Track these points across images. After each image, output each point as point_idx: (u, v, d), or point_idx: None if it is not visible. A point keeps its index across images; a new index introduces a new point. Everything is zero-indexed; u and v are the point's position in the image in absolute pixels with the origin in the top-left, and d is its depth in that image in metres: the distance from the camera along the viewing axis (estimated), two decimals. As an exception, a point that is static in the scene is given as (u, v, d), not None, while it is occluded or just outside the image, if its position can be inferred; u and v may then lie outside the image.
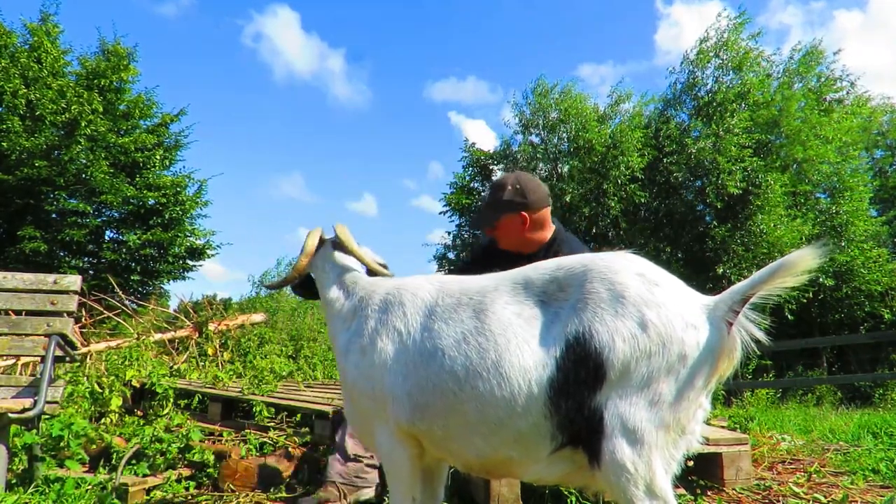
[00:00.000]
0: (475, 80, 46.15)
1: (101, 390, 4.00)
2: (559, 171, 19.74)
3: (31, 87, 13.50)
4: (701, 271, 16.41)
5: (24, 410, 2.45)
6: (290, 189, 48.84)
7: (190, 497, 2.82)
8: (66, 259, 14.65)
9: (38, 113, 13.38)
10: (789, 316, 15.16)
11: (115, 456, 3.11)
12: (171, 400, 4.26)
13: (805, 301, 15.64)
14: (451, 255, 21.95)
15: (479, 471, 1.64)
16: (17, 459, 2.94)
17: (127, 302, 7.89)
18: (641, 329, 1.32)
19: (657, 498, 1.28)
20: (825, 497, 2.62)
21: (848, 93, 18.93)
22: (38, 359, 3.00)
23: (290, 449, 3.26)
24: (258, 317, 8.38)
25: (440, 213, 22.31)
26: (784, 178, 16.51)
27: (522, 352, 1.42)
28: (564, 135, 19.58)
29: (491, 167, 21.88)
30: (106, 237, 15.63)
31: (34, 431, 2.73)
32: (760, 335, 1.34)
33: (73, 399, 3.78)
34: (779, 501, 2.60)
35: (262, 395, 4.45)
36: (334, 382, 6.71)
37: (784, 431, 4.66)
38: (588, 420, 1.32)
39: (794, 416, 6.13)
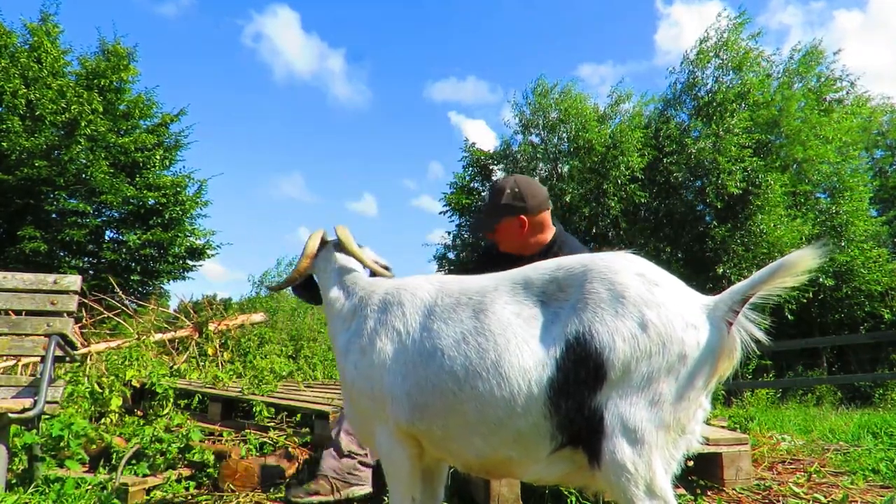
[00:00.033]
0: (475, 80, 46.21)
1: (101, 390, 4.00)
2: (559, 171, 19.74)
3: (31, 87, 13.50)
4: (701, 271, 16.41)
5: (24, 410, 2.45)
6: (290, 189, 48.88)
7: (190, 497, 2.82)
8: (66, 259, 14.65)
9: (38, 113, 13.39)
10: (789, 316, 15.17)
11: (115, 456, 3.11)
12: (171, 400, 4.26)
13: (805, 301, 15.65)
14: (451, 255, 21.95)
15: (478, 471, 1.64)
16: (17, 459, 2.94)
17: (127, 302, 7.90)
18: (642, 329, 1.32)
19: (657, 498, 1.28)
20: (825, 497, 2.62)
21: (848, 93, 18.95)
22: (39, 359, 3.00)
23: (290, 449, 3.26)
24: (258, 317, 8.39)
25: (440, 213, 22.34)
26: (784, 178, 16.51)
27: (522, 352, 1.42)
28: (564, 135, 19.58)
29: (491, 167, 21.88)
30: (106, 237, 15.63)
31: (34, 431, 2.73)
32: (760, 335, 1.34)
33: (73, 399, 3.78)
34: (779, 501, 2.60)
35: (262, 395, 4.46)
36: (334, 382, 6.71)
37: (784, 431, 4.66)
38: (588, 420, 1.32)
39: (794, 416, 6.13)
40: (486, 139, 46.39)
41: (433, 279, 1.76)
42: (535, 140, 20.47)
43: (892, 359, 15.21)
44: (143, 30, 41.56)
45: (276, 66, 46.07)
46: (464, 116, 43.98)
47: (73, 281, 2.93)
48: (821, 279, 15.15)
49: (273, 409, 4.12)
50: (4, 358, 4.56)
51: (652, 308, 1.33)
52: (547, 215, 2.43)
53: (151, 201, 15.30)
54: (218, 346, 7.30)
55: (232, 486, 2.87)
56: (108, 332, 7.73)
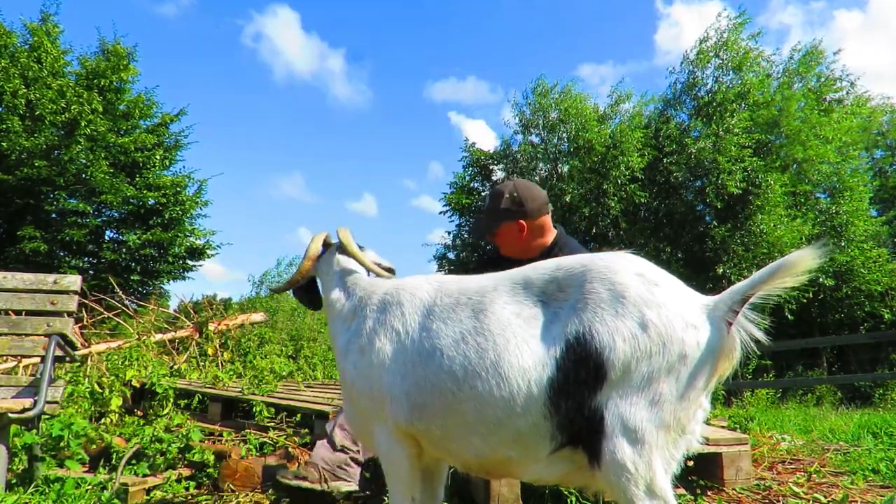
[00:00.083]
0: (475, 80, 46.22)
1: (101, 390, 4.01)
2: (559, 171, 19.74)
3: (31, 87, 13.50)
4: (701, 271, 16.41)
5: (24, 410, 2.45)
6: (290, 189, 48.89)
7: (190, 497, 2.82)
8: (66, 259, 14.65)
9: (37, 113, 13.39)
10: (789, 316, 15.17)
11: (115, 456, 3.11)
12: (171, 400, 4.26)
13: (805, 301, 15.65)
14: (451, 255, 21.94)
15: (477, 471, 1.64)
16: (17, 459, 2.94)
17: (127, 302, 7.89)
18: (642, 329, 1.32)
19: (657, 498, 1.28)
20: (825, 497, 2.62)
21: (848, 93, 18.95)
22: (39, 359, 3.00)
23: (290, 449, 3.26)
24: (258, 316, 8.38)
25: (440, 213, 22.32)
26: (784, 178, 16.51)
27: (521, 352, 1.42)
28: (564, 135, 19.58)
29: (491, 167, 21.87)
30: (106, 237, 15.63)
31: (34, 431, 2.73)
32: (760, 335, 1.34)
33: (73, 399, 3.78)
34: (779, 501, 2.60)
35: (262, 395, 4.46)
36: (334, 382, 6.71)
37: (784, 431, 4.66)
38: (588, 420, 1.32)
39: (794, 416, 6.13)
40: (486, 139, 46.44)
41: (432, 279, 1.76)
42: (535, 140, 20.48)
43: (892, 359, 15.20)
44: (143, 30, 41.62)
45: (276, 66, 46.12)
46: (464, 116, 44.03)
47: (73, 281, 2.93)
48: (821, 279, 15.15)
49: (273, 409, 4.12)
50: (5, 358, 4.57)
51: (652, 308, 1.33)
52: (547, 219, 2.43)
53: (151, 201, 15.30)
54: (218, 346, 7.30)
55: (232, 486, 2.87)
56: (108, 332, 7.73)
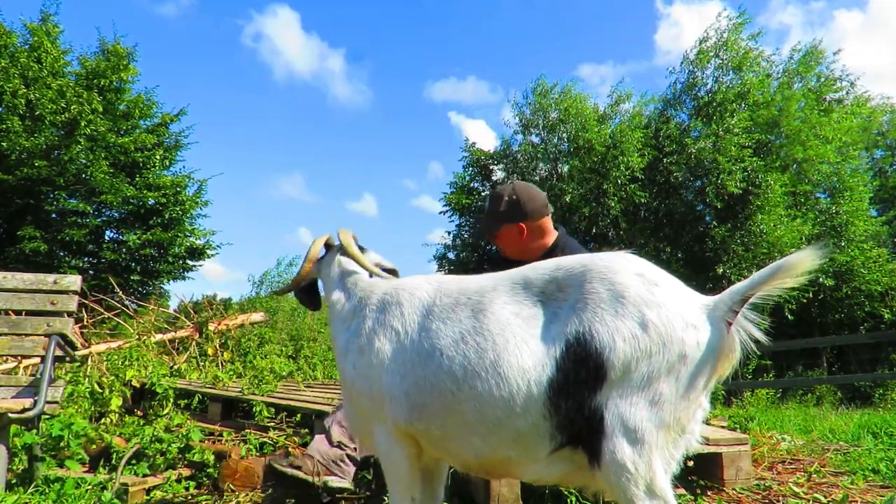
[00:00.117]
0: (475, 80, 46.22)
1: (101, 390, 4.01)
2: (559, 171, 19.73)
3: (30, 86, 13.50)
4: (701, 271, 16.41)
5: (24, 410, 2.45)
6: (290, 189, 48.88)
7: (190, 497, 2.82)
8: (66, 259, 14.65)
9: (37, 113, 13.39)
10: (789, 316, 15.17)
11: (115, 456, 3.11)
12: (171, 400, 4.26)
13: (805, 301, 15.65)
14: (451, 255, 21.94)
15: (477, 471, 1.64)
16: (17, 459, 2.94)
17: (127, 302, 7.90)
18: (642, 329, 1.32)
19: (657, 498, 1.28)
20: (825, 497, 2.62)
21: (848, 93, 18.94)
22: (39, 359, 3.00)
23: (290, 449, 3.26)
24: (258, 316, 8.38)
25: (440, 213, 22.31)
26: (784, 178, 16.51)
27: (521, 351, 1.42)
28: (564, 135, 19.58)
29: (491, 167, 21.86)
30: (106, 237, 15.63)
31: (34, 431, 2.73)
32: (760, 335, 1.34)
33: (73, 399, 3.78)
34: (779, 501, 2.60)
35: (262, 395, 4.46)
36: (334, 382, 6.71)
37: (784, 431, 4.66)
38: (588, 420, 1.32)
39: (794, 416, 6.13)
40: (486, 139, 46.42)
41: (432, 279, 1.76)
42: (535, 140, 20.47)
43: (892, 359, 15.20)
44: (143, 30, 41.62)
45: (276, 66, 46.12)
46: (464, 116, 44.03)
47: (73, 281, 2.93)
48: (821, 279, 15.15)
49: (273, 409, 4.12)
50: (5, 358, 4.57)
51: (652, 308, 1.33)
52: (546, 221, 2.44)
53: (151, 201, 15.30)
54: (218, 346, 7.30)
55: (232, 486, 2.87)
56: (108, 332, 7.73)
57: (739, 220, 16.40)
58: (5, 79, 13.14)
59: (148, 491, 2.79)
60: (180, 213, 15.72)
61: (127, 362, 5.05)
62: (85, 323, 7.00)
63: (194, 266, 16.72)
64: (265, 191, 48.87)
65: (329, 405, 3.54)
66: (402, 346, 1.61)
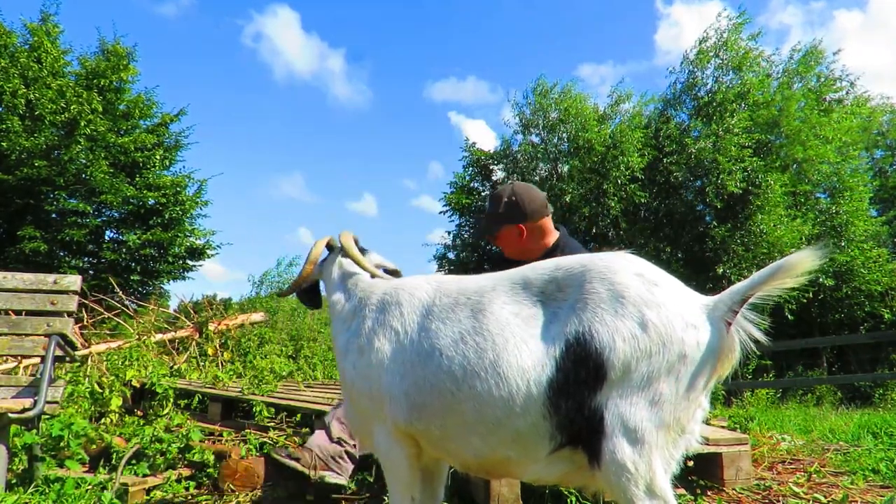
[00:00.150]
0: (475, 80, 46.18)
1: (101, 390, 4.01)
2: (559, 171, 19.73)
3: (30, 87, 13.49)
4: (701, 271, 16.41)
5: (24, 410, 2.45)
6: (290, 189, 48.84)
7: (190, 497, 2.82)
8: (66, 259, 14.65)
9: (37, 113, 13.38)
10: (789, 316, 15.17)
11: (115, 456, 3.11)
12: (171, 400, 4.26)
13: (805, 301, 15.65)
14: (451, 255, 21.93)
15: (477, 471, 1.64)
16: (17, 459, 2.94)
17: (127, 302, 7.90)
18: (642, 329, 1.32)
19: (657, 497, 1.28)
20: (825, 497, 2.62)
21: (848, 93, 18.94)
22: (39, 359, 3.00)
23: (290, 449, 3.25)
24: (258, 316, 8.38)
25: (440, 212, 22.31)
26: (784, 178, 16.51)
27: (521, 351, 1.42)
28: (564, 135, 19.58)
29: (491, 167, 21.87)
30: (106, 237, 15.63)
31: (34, 431, 2.73)
32: (759, 335, 1.34)
33: (73, 399, 3.78)
34: (779, 501, 2.60)
35: (262, 395, 4.46)
36: (334, 382, 6.71)
37: (784, 431, 4.66)
38: (588, 420, 1.32)
39: (794, 416, 6.13)
40: (486, 139, 46.39)
41: (432, 279, 1.76)
42: (535, 140, 20.47)
43: (892, 359, 15.20)
44: (143, 30, 41.55)
45: (276, 66, 46.09)
46: (464, 116, 44.00)
47: (73, 281, 2.93)
48: (821, 279, 15.15)
49: (273, 409, 4.12)
50: (5, 358, 4.57)
51: (652, 308, 1.34)
52: (546, 221, 2.44)
53: (151, 201, 15.30)
54: (218, 346, 7.30)
55: (232, 486, 2.87)
56: (108, 332, 7.73)
57: (739, 220, 16.40)
58: (5, 79, 13.13)
59: (148, 491, 2.79)
60: (180, 213, 15.72)
61: (127, 362, 5.05)
62: (85, 323, 6.99)
63: (194, 266, 16.72)
64: (265, 191, 48.86)
65: (329, 405, 3.54)
66: (401, 346, 1.61)
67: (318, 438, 2.51)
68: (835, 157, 16.85)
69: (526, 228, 2.38)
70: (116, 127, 15.32)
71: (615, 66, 39.02)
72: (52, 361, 2.65)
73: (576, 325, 1.37)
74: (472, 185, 22.14)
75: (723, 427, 3.75)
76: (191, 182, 16.24)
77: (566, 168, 19.31)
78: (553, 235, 2.47)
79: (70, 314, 2.88)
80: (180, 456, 3.13)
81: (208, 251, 16.60)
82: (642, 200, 17.52)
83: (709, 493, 2.68)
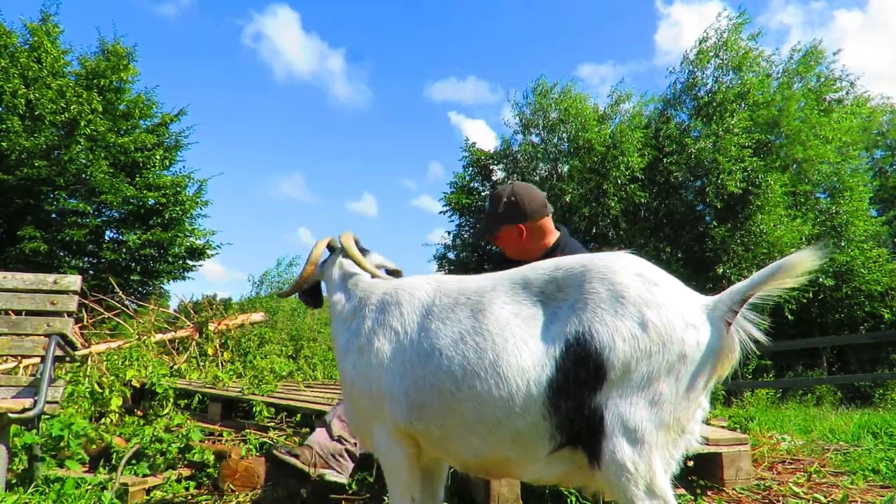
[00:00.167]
0: (475, 80, 46.16)
1: (101, 390, 4.01)
2: (559, 171, 19.73)
3: (30, 87, 13.50)
4: (701, 271, 16.41)
5: (24, 410, 2.45)
6: (290, 189, 48.82)
7: (190, 497, 2.82)
8: (66, 259, 14.65)
9: (37, 113, 13.39)
10: (789, 316, 15.17)
11: (115, 456, 3.11)
12: (171, 400, 4.26)
13: (805, 301, 15.65)
14: (451, 255, 21.94)
15: (477, 471, 1.64)
16: (17, 459, 2.94)
17: (127, 302, 7.90)
18: (642, 329, 1.32)
19: (657, 497, 1.28)
20: (825, 497, 2.62)
21: (848, 93, 18.94)
22: (39, 359, 3.00)
23: (289, 446, 3.25)
24: (258, 316, 8.38)
25: (440, 212, 22.32)
26: (784, 178, 16.52)
27: (520, 351, 1.42)
28: (564, 135, 19.58)
29: (491, 167, 21.87)
30: (106, 237, 15.63)
31: (34, 431, 2.73)
32: (759, 335, 1.34)
33: (73, 399, 3.78)
34: (779, 501, 2.60)
35: (262, 395, 4.46)
36: (334, 382, 6.71)
37: (784, 431, 4.66)
38: (588, 420, 1.32)
39: (794, 416, 6.13)
40: (486, 139, 46.38)
41: (431, 279, 1.76)
42: (535, 140, 20.47)
43: (892, 359, 15.20)
44: (143, 30, 41.51)
45: (276, 66, 46.07)
46: (464, 116, 43.98)
47: (73, 281, 2.93)
48: (821, 279, 15.15)
49: (273, 409, 4.12)
50: (5, 358, 4.57)
51: (652, 308, 1.33)
52: (546, 221, 2.44)
53: (151, 201, 15.30)
54: (218, 346, 7.30)
55: (232, 486, 2.87)
56: (108, 332, 7.73)
57: (739, 220, 16.40)
58: (5, 79, 13.14)
59: (148, 491, 2.79)
60: (180, 213, 15.72)
61: (127, 362, 5.05)
62: (85, 323, 7.00)
63: (194, 266, 16.73)
64: (265, 191, 48.82)
65: (329, 405, 3.54)
66: (401, 346, 1.61)
67: (319, 436, 2.50)
68: (835, 157, 16.85)
69: (526, 228, 2.39)
70: (116, 127, 15.32)
71: (615, 66, 39.04)
72: (52, 361, 2.65)
73: (576, 325, 1.37)
74: (472, 185, 22.15)
75: (723, 427, 3.75)
76: (191, 182, 16.26)
77: (566, 168, 19.32)
78: (553, 235, 2.47)
79: (70, 314, 2.88)
80: (180, 456, 3.13)
81: (208, 251, 16.61)
82: (642, 200, 17.53)
83: (709, 493, 2.68)
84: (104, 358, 5.49)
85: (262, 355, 8.12)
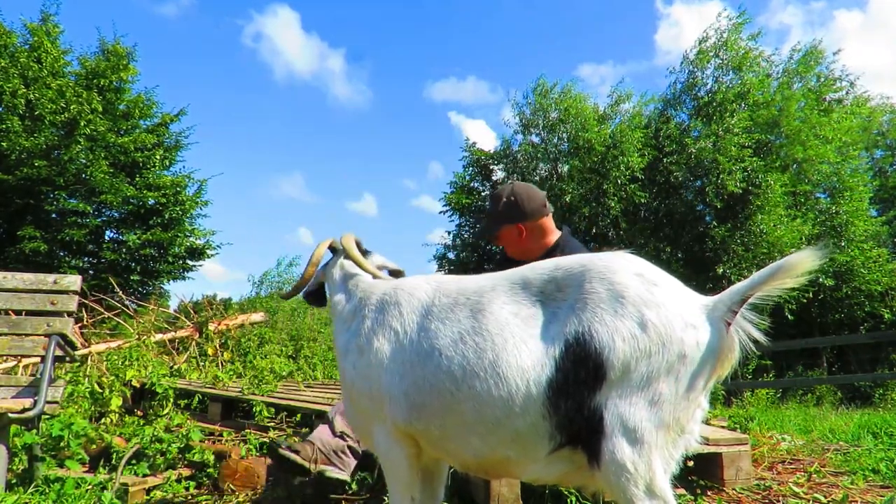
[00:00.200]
0: (475, 80, 46.13)
1: (101, 390, 4.01)
2: (559, 171, 19.74)
3: (30, 86, 13.50)
4: (701, 271, 16.41)
5: (24, 410, 2.45)
6: (290, 189, 48.79)
7: (190, 497, 2.82)
8: (66, 259, 14.65)
9: (37, 113, 13.39)
10: (789, 316, 15.17)
11: (115, 456, 3.11)
12: (171, 400, 4.26)
13: (805, 301, 15.65)
14: (451, 255, 21.94)
15: (476, 470, 1.64)
16: (17, 459, 2.94)
17: (127, 302, 7.90)
18: (641, 329, 1.32)
19: (657, 497, 1.28)
20: (825, 497, 2.62)
21: (848, 93, 18.95)
22: (39, 359, 3.00)
23: (290, 441, 3.26)
24: (258, 316, 8.38)
25: (440, 212, 22.33)
26: (784, 178, 16.52)
27: (520, 351, 1.42)
28: (564, 135, 19.59)
29: (491, 167, 21.88)
30: (106, 237, 15.64)
31: (34, 431, 2.74)
32: (759, 335, 1.34)
33: (73, 399, 3.78)
34: (779, 501, 2.60)
35: (262, 395, 4.46)
36: (334, 382, 6.71)
37: (784, 431, 4.66)
38: (588, 420, 1.32)
39: (794, 416, 6.13)
40: (486, 139, 46.38)
41: (431, 279, 1.76)
42: (535, 140, 20.48)
43: (892, 359, 15.20)
44: (143, 30, 41.50)
45: (276, 66, 46.05)
46: (464, 116, 43.96)
47: (73, 281, 2.93)
48: (821, 279, 15.15)
49: (273, 409, 4.12)
50: (5, 358, 4.57)
51: (651, 308, 1.33)
52: (546, 221, 2.44)
53: (151, 201, 15.31)
54: (218, 346, 7.30)
55: (232, 486, 2.87)
56: (108, 332, 7.73)
57: (739, 220, 16.41)
58: (5, 79, 13.14)
59: (148, 491, 2.79)
60: (180, 213, 15.72)
61: (127, 362, 5.05)
62: (85, 323, 7.00)
63: (194, 266, 16.73)
64: (265, 191, 48.79)
65: (329, 405, 3.54)
66: (401, 345, 1.61)
67: (321, 433, 2.50)
68: (835, 157, 16.85)
69: (525, 228, 2.39)
70: (116, 127, 15.32)
71: (615, 66, 39.03)
72: (52, 361, 2.65)
73: (575, 325, 1.37)
74: (472, 185, 22.15)
75: (723, 427, 3.75)
76: (191, 182, 16.26)
77: (566, 168, 19.32)
78: (554, 235, 2.47)
79: (70, 314, 2.88)
80: (180, 456, 3.13)
81: (208, 251, 16.62)
82: (642, 200, 17.53)
83: (709, 493, 2.68)
84: (104, 358, 5.50)
85: (262, 355, 8.11)
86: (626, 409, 1.29)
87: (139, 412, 4.33)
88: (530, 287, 1.52)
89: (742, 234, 16.25)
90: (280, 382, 5.46)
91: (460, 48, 46.87)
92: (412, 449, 1.62)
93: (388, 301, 1.73)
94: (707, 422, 3.57)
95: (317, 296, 2.14)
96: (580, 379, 1.34)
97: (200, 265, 16.88)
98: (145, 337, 6.56)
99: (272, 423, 3.93)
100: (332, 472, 2.41)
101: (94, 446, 3.27)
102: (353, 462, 2.50)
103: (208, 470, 3.00)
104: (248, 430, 3.68)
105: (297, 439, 3.49)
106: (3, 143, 13.01)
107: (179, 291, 25.19)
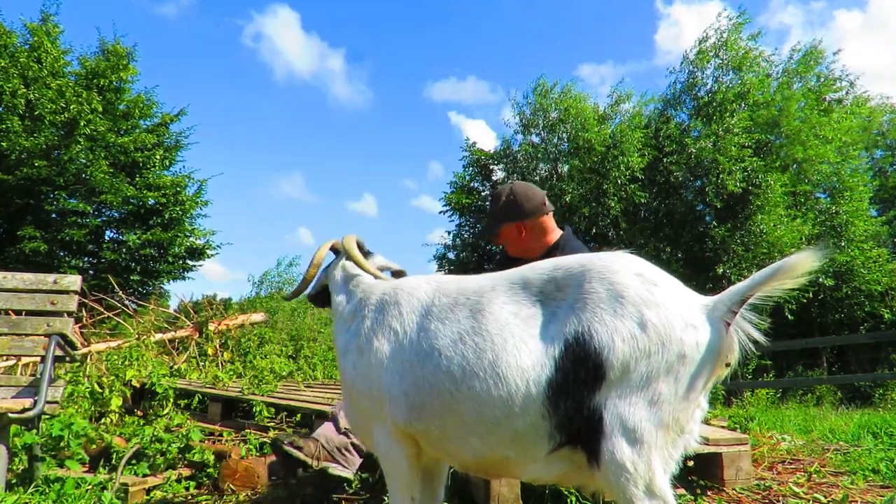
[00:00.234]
0: (475, 80, 46.12)
1: (101, 390, 4.01)
2: (559, 171, 19.74)
3: (30, 86, 13.50)
4: (701, 271, 16.41)
5: (24, 410, 2.45)
6: (290, 189, 48.78)
7: (190, 497, 2.82)
8: (66, 259, 14.66)
9: (37, 113, 13.39)
10: (789, 316, 15.17)
11: (115, 456, 3.11)
12: (171, 400, 4.26)
13: (805, 301, 15.65)
14: (451, 255, 21.95)
15: (476, 470, 1.64)
16: (17, 459, 2.94)
17: (127, 302, 7.89)
18: (641, 329, 1.32)
19: (656, 497, 1.28)
20: (825, 497, 2.62)
21: (847, 93, 18.96)
22: (39, 359, 3.00)
23: (293, 438, 3.26)
24: (258, 316, 8.38)
25: (440, 212, 22.34)
26: (784, 178, 16.52)
27: (520, 351, 1.42)
28: (564, 135, 19.59)
29: (491, 167, 21.89)
30: (106, 237, 15.64)
31: (34, 431, 2.74)
32: (758, 336, 1.34)
33: (73, 399, 3.78)
34: (779, 501, 2.60)
35: (262, 395, 4.46)
36: (334, 382, 6.71)
37: (784, 431, 4.66)
38: (587, 420, 1.32)
39: (794, 416, 6.13)
40: (486, 139, 46.36)
41: (431, 279, 1.77)
42: (535, 140, 20.48)
43: (892, 359, 15.21)
44: (143, 30, 41.49)
45: (276, 66, 46.04)
46: (464, 116, 43.95)
47: (73, 281, 2.93)
48: (821, 279, 15.15)
49: (273, 409, 4.12)
50: (4, 358, 4.57)
51: (651, 308, 1.34)
52: (546, 219, 2.44)
53: (151, 201, 15.31)
54: (218, 346, 7.30)
55: (232, 486, 2.87)
56: (108, 332, 7.72)
57: (739, 220, 16.41)
58: (5, 79, 13.14)
59: (148, 491, 2.79)
60: (180, 213, 15.73)
61: (127, 362, 5.05)
62: (85, 323, 6.99)
63: (194, 266, 16.73)
64: (265, 191, 48.78)
65: (329, 405, 3.54)
66: (400, 346, 1.61)
67: (325, 430, 2.49)
68: (835, 157, 16.85)
69: (525, 226, 2.39)
70: (116, 127, 15.32)
71: (615, 66, 39.03)
72: (52, 361, 2.65)
73: (575, 325, 1.37)
74: (472, 185, 22.16)
75: (723, 427, 3.75)
76: (191, 182, 16.26)
77: (566, 168, 19.32)
78: (555, 234, 2.47)
79: (70, 314, 2.88)
80: (180, 456, 3.13)
81: (208, 251, 16.62)
82: (642, 200, 17.53)
83: (709, 493, 2.68)
84: (104, 358, 5.49)
85: (262, 355, 8.11)
86: (625, 409, 1.29)
87: (139, 412, 4.33)
88: (530, 287, 1.52)
89: (742, 234, 16.25)
90: (280, 382, 5.46)
91: (460, 48, 46.89)
92: (412, 449, 1.62)
93: (388, 301, 1.73)
94: (707, 422, 3.58)
95: (321, 298, 2.14)
96: (580, 379, 1.34)
97: (200, 265, 16.91)
98: (145, 337, 6.56)
99: (272, 423, 3.93)
100: (336, 470, 2.41)
101: (94, 446, 3.27)
102: (357, 459, 2.50)
103: (208, 470, 3.00)
104: (248, 430, 3.68)
105: (302, 433, 3.49)
106: (3, 143, 13.01)
107: (179, 291, 25.18)
